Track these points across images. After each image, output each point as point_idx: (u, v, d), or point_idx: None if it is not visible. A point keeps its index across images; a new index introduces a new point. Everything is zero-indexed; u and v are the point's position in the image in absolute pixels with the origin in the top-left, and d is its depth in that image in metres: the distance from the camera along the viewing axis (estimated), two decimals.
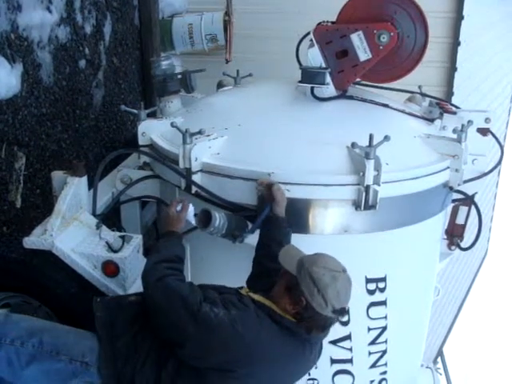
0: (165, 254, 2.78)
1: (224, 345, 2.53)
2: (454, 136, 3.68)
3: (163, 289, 2.60)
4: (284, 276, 2.75)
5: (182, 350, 2.58)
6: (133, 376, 2.65)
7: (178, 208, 3.01)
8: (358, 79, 4.13)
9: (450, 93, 6.80)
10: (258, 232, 3.26)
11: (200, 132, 3.41)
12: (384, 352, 3.79)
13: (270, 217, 3.16)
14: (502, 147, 4.56)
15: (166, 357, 2.65)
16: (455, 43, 6.69)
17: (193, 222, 3.10)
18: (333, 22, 3.95)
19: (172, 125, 3.51)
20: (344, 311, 2.66)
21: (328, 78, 3.84)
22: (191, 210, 3.09)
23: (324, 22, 3.96)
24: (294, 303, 2.66)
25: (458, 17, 6.60)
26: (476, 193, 4.16)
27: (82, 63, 5.30)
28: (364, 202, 3.24)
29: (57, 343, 2.76)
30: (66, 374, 2.70)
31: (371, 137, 3.16)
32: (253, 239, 3.26)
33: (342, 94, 3.95)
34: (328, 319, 2.66)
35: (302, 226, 3.36)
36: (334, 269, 2.65)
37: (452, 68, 6.80)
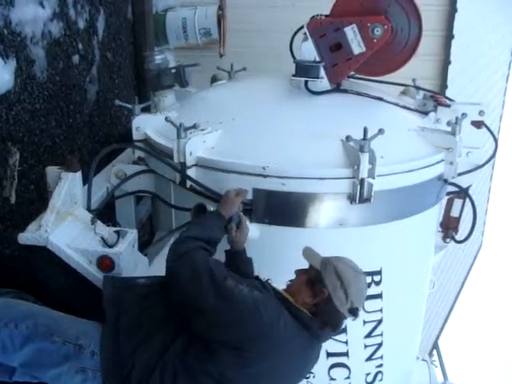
0: (202, 232, 2.82)
1: (242, 321, 2.54)
2: (448, 129, 3.68)
3: (189, 260, 2.63)
4: (305, 272, 2.83)
5: (199, 322, 2.59)
6: (134, 351, 2.62)
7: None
8: (352, 73, 4.14)
9: (443, 86, 6.80)
10: (257, 225, 3.27)
11: (194, 126, 3.41)
12: (380, 345, 3.79)
13: (233, 253, 3.15)
14: (495, 139, 4.57)
15: (175, 333, 2.65)
16: (449, 36, 6.68)
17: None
18: (327, 16, 3.95)
19: (166, 119, 3.51)
20: (358, 312, 2.73)
21: (322, 72, 3.85)
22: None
23: (318, 15, 3.95)
24: (314, 295, 2.71)
25: (452, 10, 6.59)
26: (470, 185, 4.17)
27: (76, 58, 5.28)
28: (359, 195, 3.25)
29: (51, 325, 2.75)
30: (58, 357, 2.67)
31: (365, 130, 3.17)
32: (251, 233, 3.26)
33: (336, 88, 3.95)
34: (342, 318, 2.74)
35: (297, 220, 3.36)
36: (356, 269, 2.77)
37: (446, 61, 6.79)
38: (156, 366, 2.58)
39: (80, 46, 5.33)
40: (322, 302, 2.70)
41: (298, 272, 2.87)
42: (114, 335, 2.69)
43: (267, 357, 2.58)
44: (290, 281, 2.89)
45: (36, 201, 4.67)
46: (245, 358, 2.57)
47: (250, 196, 3.30)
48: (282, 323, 2.61)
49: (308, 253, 2.89)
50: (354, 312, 2.71)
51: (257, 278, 2.98)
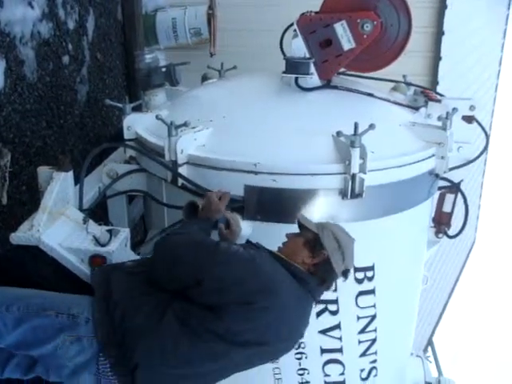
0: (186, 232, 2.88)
1: (244, 277, 2.62)
2: (439, 123, 3.69)
3: (178, 239, 2.78)
4: (300, 235, 2.97)
5: (200, 288, 2.61)
6: (128, 319, 2.65)
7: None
8: (342, 69, 4.14)
9: (434, 82, 6.81)
10: (249, 223, 3.27)
11: (185, 124, 3.40)
12: (374, 341, 3.80)
13: None
14: (486, 134, 4.58)
15: (171, 298, 2.69)
16: (439, 32, 6.69)
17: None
18: (316, 12, 3.95)
19: (157, 117, 3.51)
20: (348, 274, 2.95)
21: (312, 68, 3.85)
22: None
23: (308, 12, 3.96)
24: (313, 256, 2.86)
25: (442, 6, 6.60)
26: (462, 180, 4.18)
27: (66, 59, 5.27)
28: (350, 190, 3.25)
29: (44, 303, 2.75)
30: (52, 330, 2.66)
31: (356, 125, 3.17)
32: (244, 230, 3.25)
33: (327, 84, 3.96)
34: (335, 278, 2.92)
35: (289, 216, 3.34)
36: (348, 233, 2.97)
37: (436, 58, 6.80)
38: (154, 330, 2.62)
39: (70, 46, 5.32)
40: (321, 262, 2.84)
41: (291, 235, 3.00)
42: (106, 308, 2.71)
43: (272, 307, 2.65)
44: (282, 244, 2.99)
45: (28, 202, 4.66)
46: (252, 311, 2.62)
47: (241, 193, 3.31)
48: (279, 276, 2.73)
49: (303, 218, 3.02)
50: (345, 274, 2.91)
51: (247, 241, 3.08)
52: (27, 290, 2.95)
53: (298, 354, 3.60)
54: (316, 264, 2.85)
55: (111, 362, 2.65)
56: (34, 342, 2.69)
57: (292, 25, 3.95)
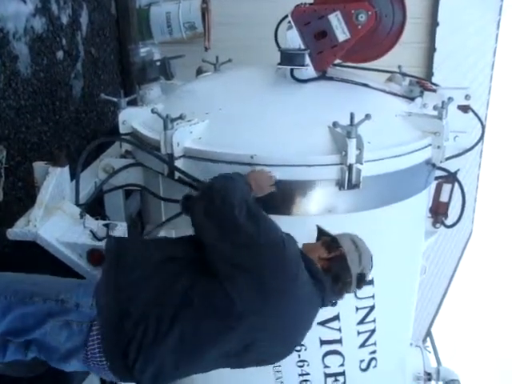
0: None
1: (269, 250, 2.64)
2: (435, 113, 3.69)
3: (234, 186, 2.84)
4: (318, 239, 3.02)
5: (224, 243, 2.65)
6: (133, 296, 2.65)
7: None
8: (337, 60, 4.13)
9: (429, 73, 6.81)
10: None
11: (181, 117, 3.39)
12: (373, 331, 3.80)
13: None
14: (482, 123, 4.59)
15: (178, 273, 2.70)
16: (434, 23, 6.69)
17: None
18: (311, 4, 3.94)
19: (152, 111, 3.49)
20: (364, 280, 2.91)
21: (307, 60, 3.83)
22: None
23: (302, 3, 3.95)
24: (330, 252, 2.87)
25: None
26: (459, 169, 4.18)
27: (60, 54, 5.25)
28: (347, 181, 3.24)
29: (32, 288, 2.73)
30: (41, 315, 2.64)
31: (352, 115, 3.16)
32: None
33: (322, 75, 3.95)
34: (349, 284, 2.86)
35: (286, 208, 3.35)
36: (366, 245, 2.97)
37: (431, 48, 6.81)
38: (154, 309, 2.61)
39: (64, 41, 5.30)
40: (336, 257, 2.84)
41: (308, 243, 3.00)
42: (116, 272, 2.73)
43: (283, 294, 2.64)
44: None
45: (24, 198, 4.65)
46: (263, 290, 2.61)
47: None
48: (300, 265, 2.72)
49: (321, 227, 3.07)
50: (361, 279, 2.87)
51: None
52: (17, 275, 2.94)
53: None
54: (331, 259, 2.85)
55: (106, 345, 2.63)
56: (24, 329, 2.66)
57: (286, 17, 3.94)
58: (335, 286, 2.86)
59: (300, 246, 2.94)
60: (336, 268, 2.83)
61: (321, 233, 3.04)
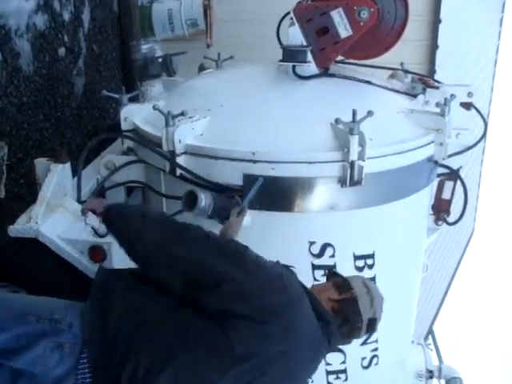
0: None
1: (265, 290, 2.43)
2: (437, 110, 3.67)
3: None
4: (328, 281, 2.85)
5: (217, 291, 2.39)
6: (122, 330, 2.43)
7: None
8: (339, 57, 4.12)
9: (432, 71, 6.80)
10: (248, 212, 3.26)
11: (182, 114, 3.38)
12: None
13: None
14: (484, 120, 4.58)
15: (172, 309, 2.47)
16: (436, 21, 6.68)
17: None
18: (313, 0, 3.93)
19: (154, 107, 3.49)
20: (375, 325, 2.72)
21: (309, 56, 3.82)
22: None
23: (304, 0, 3.94)
24: (340, 293, 2.67)
25: None
26: (461, 167, 4.17)
27: (62, 51, 5.25)
28: (349, 178, 3.23)
29: (26, 307, 2.60)
30: (34, 336, 2.48)
31: (354, 112, 3.15)
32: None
33: (324, 72, 3.94)
34: (359, 323, 2.66)
35: (288, 205, 3.35)
36: (379, 290, 2.81)
37: (433, 46, 6.79)
38: (145, 345, 2.40)
39: (66, 38, 5.30)
40: (347, 299, 2.65)
41: (318, 284, 2.89)
42: (100, 313, 2.50)
43: (287, 334, 2.45)
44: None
45: (26, 195, 4.64)
46: (264, 333, 2.41)
47: (240, 182, 3.30)
48: (305, 304, 2.53)
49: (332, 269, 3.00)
50: (372, 324, 2.69)
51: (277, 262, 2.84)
52: (8, 295, 2.90)
53: None
54: (342, 301, 2.66)
55: (93, 364, 2.45)
56: (16, 350, 2.49)
57: (288, 13, 3.93)
58: (343, 329, 2.67)
59: (309, 285, 2.78)
60: (346, 310, 2.65)
61: (332, 274, 2.92)
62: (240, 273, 2.43)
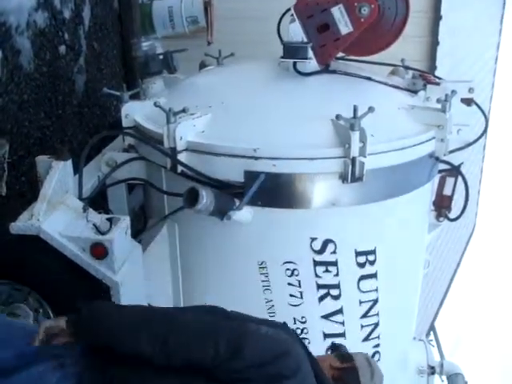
0: None
1: (267, 360, 2.30)
2: (438, 106, 3.68)
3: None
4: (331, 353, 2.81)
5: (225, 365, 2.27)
6: None
7: None
8: (340, 53, 4.12)
9: (432, 67, 6.78)
10: (249, 208, 3.26)
11: (184, 110, 3.39)
12: (376, 325, 3.80)
13: None
14: (485, 116, 4.57)
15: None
16: (437, 17, 6.66)
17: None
18: None
19: (155, 104, 3.50)
20: None
21: (310, 53, 3.83)
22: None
23: None
24: (342, 362, 2.63)
25: None
26: (462, 163, 4.17)
27: (62, 49, 5.23)
28: (350, 174, 3.24)
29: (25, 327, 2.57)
30: (31, 355, 2.33)
31: (355, 108, 3.16)
32: (241, 216, 3.26)
33: (325, 69, 3.94)
34: None
35: (290, 201, 3.36)
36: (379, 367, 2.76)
37: (434, 42, 6.78)
38: None
39: (66, 36, 5.27)
40: (348, 369, 2.61)
41: (320, 355, 2.77)
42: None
43: None
44: None
45: (27, 193, 4.64)
46: None
47: (241, 179, 3.30)
48: (307, 368, 2.42)
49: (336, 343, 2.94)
50: None
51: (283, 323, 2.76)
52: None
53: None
54: (343, 369, 2.62)
55: None
56: (17, 368, 2.34)
57: (289, 10, 3.93)
58: None
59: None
60: (347, 379, 2.61)
61: (335, 348, 2.88)
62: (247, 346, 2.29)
